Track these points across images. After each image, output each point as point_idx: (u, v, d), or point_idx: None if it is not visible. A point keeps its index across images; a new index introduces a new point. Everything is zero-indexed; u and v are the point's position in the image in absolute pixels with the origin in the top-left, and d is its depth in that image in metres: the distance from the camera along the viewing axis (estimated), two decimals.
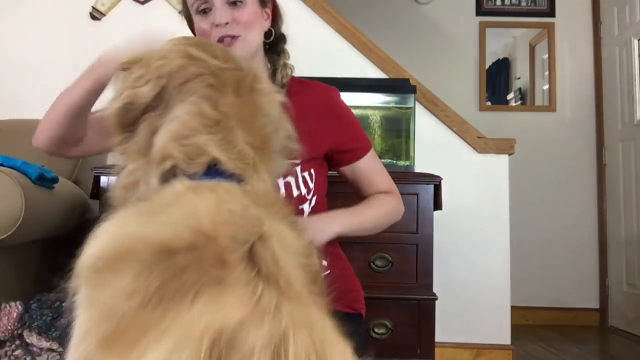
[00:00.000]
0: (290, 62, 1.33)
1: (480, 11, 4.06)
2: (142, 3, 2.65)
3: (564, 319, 3.68)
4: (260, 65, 1.28)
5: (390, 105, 2.31)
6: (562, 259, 3.78)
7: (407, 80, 2.34)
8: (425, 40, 3.99)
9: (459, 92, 3.88)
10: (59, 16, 2.65)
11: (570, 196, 3.85)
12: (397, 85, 2.34)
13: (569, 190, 3.86)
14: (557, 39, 3.99)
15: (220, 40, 1.19)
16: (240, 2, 1.21)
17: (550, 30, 4.00)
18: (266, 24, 1.28)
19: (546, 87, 4.02)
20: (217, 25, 1.19)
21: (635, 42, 3.54)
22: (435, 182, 2.01)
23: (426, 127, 2.50)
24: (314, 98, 1.30)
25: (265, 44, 1.30)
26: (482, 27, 4.05)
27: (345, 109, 1.34)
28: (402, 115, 2.30)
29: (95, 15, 2.65)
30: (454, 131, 2.55)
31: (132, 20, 2.62)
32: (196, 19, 1.23)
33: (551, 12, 4.02)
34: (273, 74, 1.29)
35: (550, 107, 3.96)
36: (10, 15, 2.66)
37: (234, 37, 1.19)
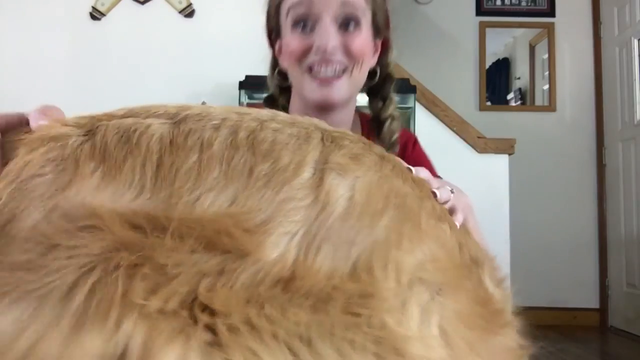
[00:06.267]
0: None
1: (480, 11, 4.06)
2: (142, 3, 2.65)
3: (564, 319, 3.68)
4: (348, 116, 0.93)
5: None
6: (562, 259, 3.78)
7: (407, 80, 2.35)
8: (425, 40, 3.99)
9: (459, 92, 3.88)
10: (59, 16, 2.65)
11: (570, 196, 3.85)
12: (397, 85, 2.33)
13: (569, 191, 3.86)
14: (557, 39, 3.99)
15: (320, 65, 0.83)
16: (357, 24, 0.86)
17: (550, 30, 4.00)
18: (373, 61, 0.96)
19: (546, 87, 4.02)
20: (319, 48, 0.83)
21: (635, 42, 3.54)
22: None
23: (426, 127, 2.50)
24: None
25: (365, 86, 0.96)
26: (482, 27, 4.05)
27: (422, 162, 1.04)
28: (402, 115, 2.30)
29: (95, 15, 2.65)
30: (454, 131, 2.55)
31: (132, 20, 2.62)
32: (290, 33, 0.86)
33: (551, 12, 4.02)
34: (378, 128, 0.99)
35: (550, 107, 3.96)
36: (10, 15, 2.67)
37: (343, 70, 0.86)
